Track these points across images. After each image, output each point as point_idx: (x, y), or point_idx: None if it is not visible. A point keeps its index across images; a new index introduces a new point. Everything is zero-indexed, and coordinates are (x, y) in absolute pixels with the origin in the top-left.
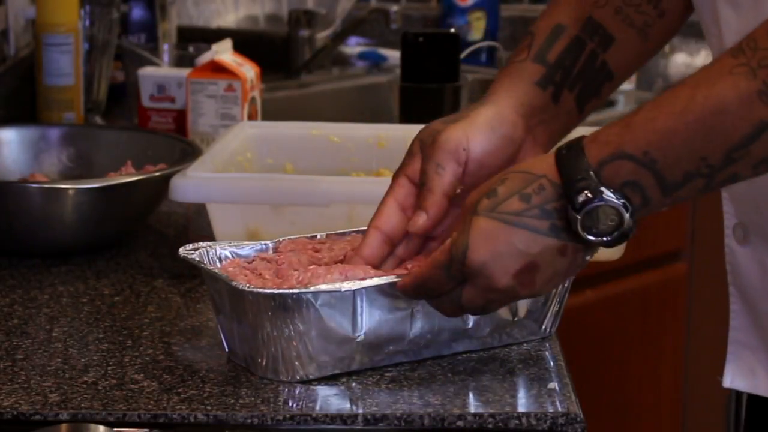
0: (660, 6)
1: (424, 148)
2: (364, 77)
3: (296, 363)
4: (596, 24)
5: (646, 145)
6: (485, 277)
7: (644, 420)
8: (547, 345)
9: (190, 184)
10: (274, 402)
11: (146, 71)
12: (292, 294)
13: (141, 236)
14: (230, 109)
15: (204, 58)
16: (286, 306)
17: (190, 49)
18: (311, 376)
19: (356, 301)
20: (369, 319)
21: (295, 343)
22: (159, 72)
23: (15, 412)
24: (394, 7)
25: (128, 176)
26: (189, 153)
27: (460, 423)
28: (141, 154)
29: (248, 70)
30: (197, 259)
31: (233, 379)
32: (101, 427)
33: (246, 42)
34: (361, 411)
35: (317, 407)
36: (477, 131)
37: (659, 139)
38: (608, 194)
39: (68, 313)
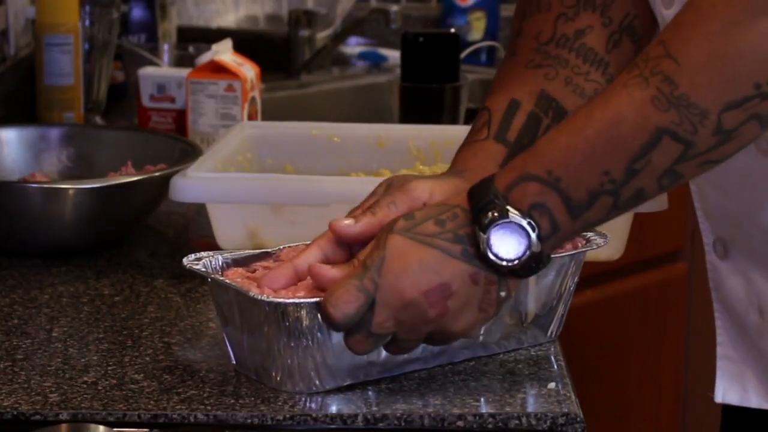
0: (608, 71)
1: (388, 189)
2: (364, 77)
3: (312, 374)
4: (549, 98)
5: (549, 164)
6: (396, 290)
7: (644, 420)
8: (547, 345)
9: (190, 184)
10: (274, 402)
11: (146, 71)
12: (308, 303)
13: (141, 236)
14: (230, 109)
15: (204, 58)
16: (301, 316)
17: (190, 49)
18: (327, 387)
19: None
20: None
21: (312, 354)
22: (159, 72)
23: (15, 412)
24: (394, 7)
25: (128, 176)
26: (189, 153)
27: (460, 423)
28: (141, 154)
29: (248, 70)
30: (203, 269)
31: (233, 379)
32: (101, 427)
33: (246, 42)
34: (361, 411)
35: (317, 407)
36: (442, 192)
37: (561, 156)
38: (514, 213)
39: (68, 313)
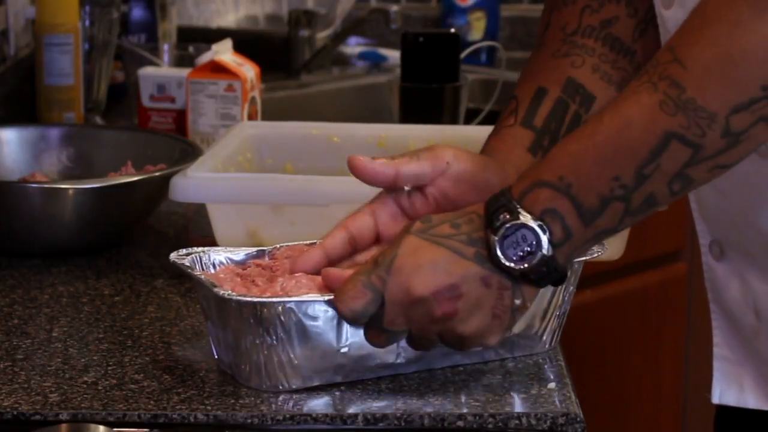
0: (635, 60)
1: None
2: (364, 77)
3: (279, 373)
4: (576, 84)
5: (559, 170)
6: (404, 287)
7: (644, 420)
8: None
9: (190, 184)
10: (274, 402)
11: (146, 71)
12: (274, 302)
13: (141, 236)
14: (230, 109)
15: (204, 58)
16: (267, 314)
17: (190, 49)
18: (294, 386)
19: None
20: (355, 331)
21: (277, 353)
22: (159, 72)
23: (15, 412)
24: (394, 7)
25: (128, 176)
26: (189, 153)
27: (460, 423)
28: (141, 154)
29: (248, 70)
30: (188, 264)
31: (233, 379)
32: (101, 427)
33: (246, 42)
34: (361, 411)
35: (317, 407)
36: (468, 159)
37: (571, 162)
38: (524, 215)
39: (68, 313)
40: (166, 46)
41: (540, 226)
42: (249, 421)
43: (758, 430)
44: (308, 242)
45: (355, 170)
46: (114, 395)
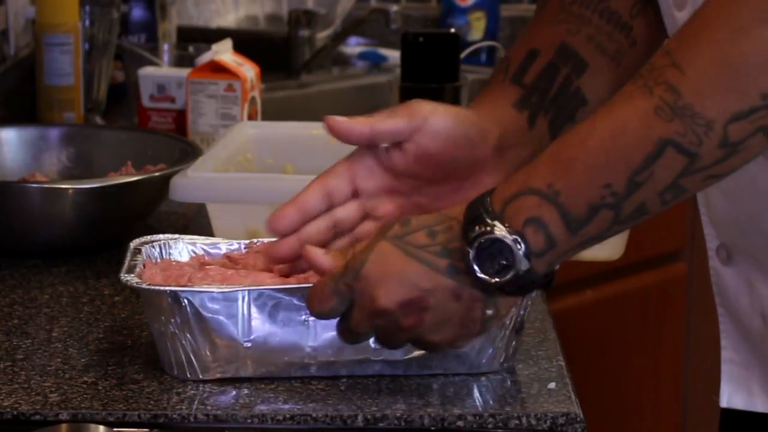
0: (631, 35)
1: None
2: (364, 77)
3: (185, 362)
4: (570, 50)
5: (550, 177)
6: (369, 297)
7: (644, 420)
8: (547, 345)
9: (190, 184)
10: (274, 402)
11: (146, 71)
12: (168, 291)
13: (141, 236)
14: (230, 109)
15: (204, 58)
16: (166, 303)
17: (190, 49)
18: (202, 377)
19: (241, 305)
20: (259, 326)
21: (181, 342)
22: (159, 72)
23: (15, 412)
24: (394, 7)
25: (128, 176)
26: (189, 153)
27: (460, 423)
28: (141, 154)
29: (248, 70)
30: (142, 255)
31: (233, 379)
32: (101, 427)
33: (246, 42)
34: (361, 411)
35: (317, 407)
36: (445, 114)
37: (562, 168)
38: (500, 228)
39: (68, 313)
40: (166, 46)
41: (515, 241)
42: (249, 421)
43: None
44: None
45: (331, 130)
46: (114, 395)
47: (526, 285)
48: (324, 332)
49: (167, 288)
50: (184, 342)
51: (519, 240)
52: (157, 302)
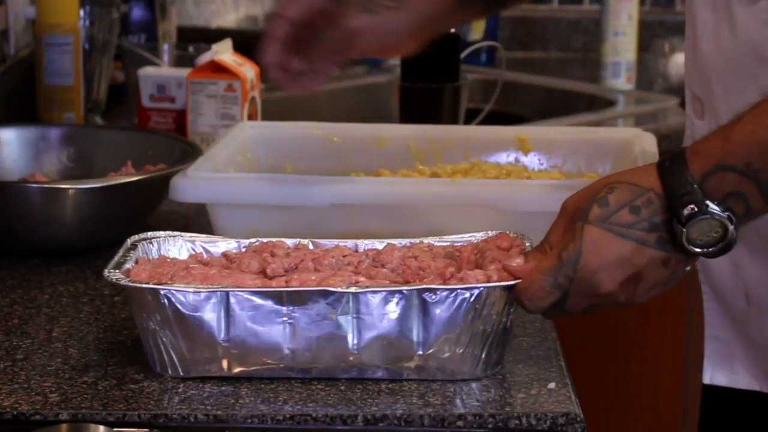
0: None
1: None
2: (364, 77)
3: (166, 359)
4: None
5: (748, 156)
6: (593, 284)
7: (644, 420)
8: (547, 345)
9: (190, 184)
10: (274, 402)
11: (146, 71)
12: (149, 289)
13: None
14: (230, 109)
15: (204, 58)
16: (147, 300)
17: (190, 49)
18: (182, 374)
19: (218, 305)
20: (238, 326)
21: (162, 339)
22: (159, 72)
23: (15, 412)
24: None
25: (128, 176)
26: (189, 153)
27: (460, 423)
28: (141, 154)
29: (248, 70)
30: (137, 252)
31: (233, 379)
32: (101, 427)
33: (246, 42)
34: (361, 411)
35: (317, 407)
36: None
37: (758, 150)
38: (713, 207)
39: (68, 313)
40: (166, 46)
41: (729, 217)
42: (249, 421)
43: (745, 410)
44: (291, 240)
45: None
46: (114, 395)
47: (728, 249)
48: (302, 334)
49: (146, 285)
50: (164, 339)
51: (731, 216)
52: (138, 299)
